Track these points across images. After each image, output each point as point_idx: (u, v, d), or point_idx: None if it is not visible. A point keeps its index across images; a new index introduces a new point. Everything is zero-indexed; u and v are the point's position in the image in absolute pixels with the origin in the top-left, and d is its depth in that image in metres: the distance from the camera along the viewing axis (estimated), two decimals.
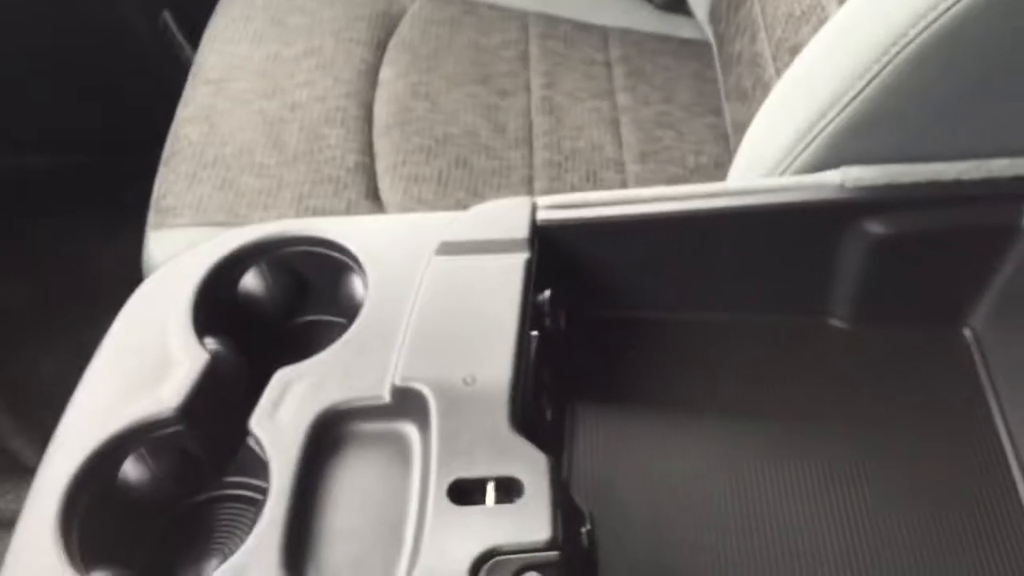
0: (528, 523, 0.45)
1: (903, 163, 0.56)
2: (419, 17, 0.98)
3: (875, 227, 0.57)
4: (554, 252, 0.59)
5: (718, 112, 0.95)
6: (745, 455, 0.57)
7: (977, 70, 0.53)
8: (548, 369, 0.56)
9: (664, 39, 1.03)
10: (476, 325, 0.53)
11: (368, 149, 0.85)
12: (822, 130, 0.57)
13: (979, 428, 0.57)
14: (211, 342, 0.57)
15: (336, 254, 0.60)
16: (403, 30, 0.96)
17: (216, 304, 0.58)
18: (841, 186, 0.57)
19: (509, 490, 0.48)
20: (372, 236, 0.60)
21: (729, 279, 0.61)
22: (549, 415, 0.55)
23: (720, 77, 0.98)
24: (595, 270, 0.61)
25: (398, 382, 0.51)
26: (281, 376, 0.53)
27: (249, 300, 0.62)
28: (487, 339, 0.52)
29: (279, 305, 0.63)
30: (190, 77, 0.90)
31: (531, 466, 0.48)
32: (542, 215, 0.59)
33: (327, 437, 0.51)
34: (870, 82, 0.54)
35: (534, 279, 0.56)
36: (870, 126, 0.56)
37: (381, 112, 0.88)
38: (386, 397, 0.51)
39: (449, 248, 0.57)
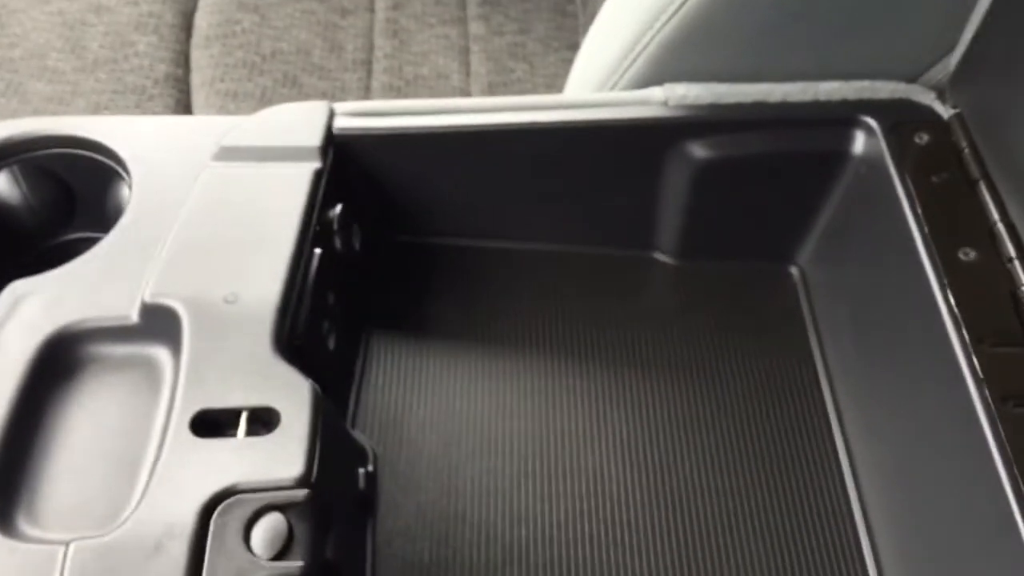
0: (279, 457, 0.40)
1: (729, 83, 0.52)
2: None
3: (698, 150, 0.53)
4: (352, 165, 0.53)
5: (575, 48, 0.90)
6: (552, 394, 0.52)
7: None
8: (334, 293, 0.50)
9: None
10: (248, 239, 0.47)
11: (183, 61, 0.77)
12: (647, 44, 0.52)
13: (799, 372, 0.54)
14: None
15: (102, 158, 0.53)
16: None
17: None
18: (664, 104, 0.52)
19: (267, 422, 0.42)
20: (142, 139, 0.52)
21: (545, 205, 0.56)
22: (332, 343, 0.49)
23: (579, 11, 0.93)
24: (399, 189, 0.55)
25: (148, 299, 0.45)
26: (13, 290, 0.46)
27: None
28: (258, 254, 0.46)
29: (37, 219, 0.55)
30: None
31: (291, 395, 0.42)
32: (340, 123, 0.52)
33: (61, 360, 0.44)
34: None
35: (324, 193, 0.50)
36: (695, 42, 0.51)
37: (202, 22, 0.80)
38: (134, 316, 0.45)
39: (229, 153, 0.51)
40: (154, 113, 0.71)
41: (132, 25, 0.76)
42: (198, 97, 0.74)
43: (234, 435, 0.41)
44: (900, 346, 0.49)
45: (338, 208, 0.50)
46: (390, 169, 0.54)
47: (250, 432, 0.41)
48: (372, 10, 0.87)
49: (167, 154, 0.51)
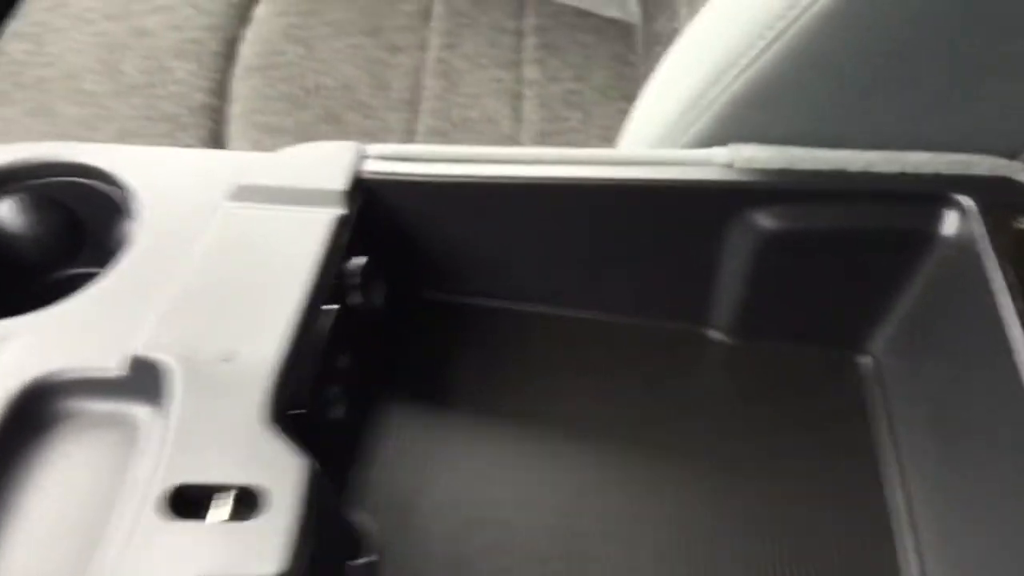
0: (257, 549, 0.34)
1: (804, 146, 0.47)
2: None
3: (765, 220, 0.47)
4: (381, 213, 0.48)
5: (634, 99, 0.85)
6: (583, 486, 0.46)
7: (891, 46, 0.43)
8: (348, 355, 0.45)
9: (586, 15, 0.93)
10: (256, 290, 0.42)
11: (221, 91, 0.73)
12: (713, 99, 0.47)
13: (867, 479, 0.47)
14: None
15: (110, 189, 0.49)
16: None
17: None
18: (730, 166, 0.47)
19: (253, 504, 0.37)
20: (156, 171, 0.48)
21: (589, 268, 0.51)
22: (341, 412, 0.44)
23: (640, 61, 0.89)
24: (430, 241, 0.50)
25: (139, 351, 0.40)
26: None
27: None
28: (265, 308, 0.41)
29: (41, 251, 0.52)
30: None
31: (283, 474, 0.37)
32: (370, 166, 0.48)
33: (35, 413, 0.40)
34: (768, 47, 0.44)
35: (347, 242, 0.45)
36: (767, 99, 0.46)
37: (246, 52, 0.77)
38: (121, 369, 0.40)
39: (246, 193, 0.46)
40: (186, 144, 0.68)
41: (172, 51, 0.74)
42: (234, 129, 0.71)
43: (215, 516, 0.36)
44: (989, 457, 0.42)
45: (362, 260, 0.46)
46: (422, 219, 0.49)
47: (235, 514, 0.36)
48: (424, 48, 0.83)
49: (180, 189, 0.47)
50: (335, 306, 0.43)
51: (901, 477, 0.47)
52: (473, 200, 0.48)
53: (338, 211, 0.45)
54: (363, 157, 0.48)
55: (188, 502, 0.36)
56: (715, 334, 0.52)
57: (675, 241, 0.49)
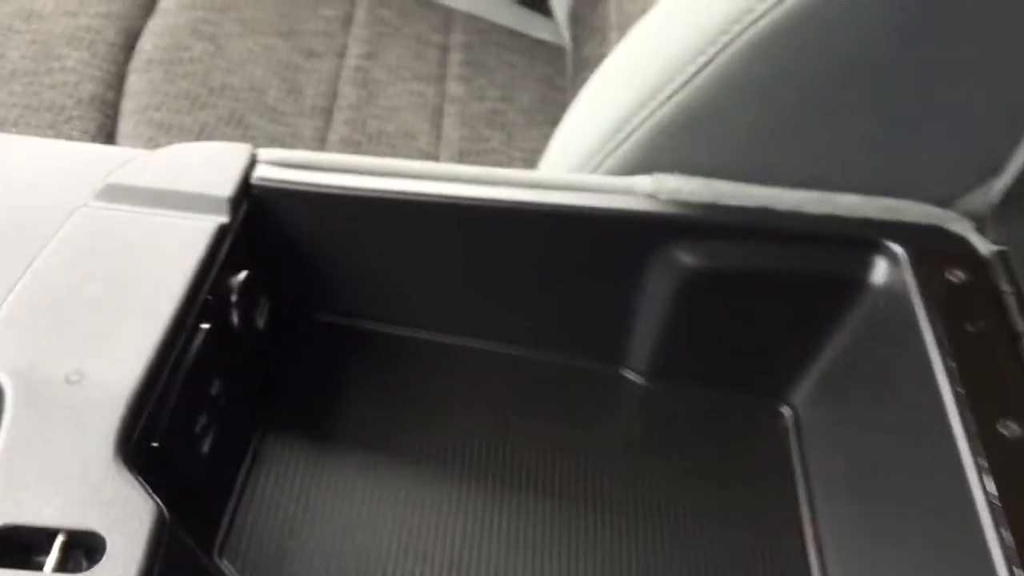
0: None
1: (731, 180, 0.44)
2: None
3: (688, 256, 0.44)
4: (269, 224, 0.44)
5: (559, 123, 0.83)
6: (480, 535, 0.42)
7: (824, 78, 0.41)
8: (221, 380, 0.40)
9: (515, 35, 0.90)
10: (115, 303, 0.37)
11: (116, 83, 0.68)
12: (638, 125, 0.44)
13: (782, 533, 0.44)
14: None
15: None
16: None
17: None
18: (653, 196, 0.44)
19: (89, 550, 0.32)
20: (16, 162, 0.43)
21: (498, 297, 0.47)
22: (206, 445, 0.39)
23: (569, 85, 0.86)
24: (324, 258, 0.45)
25: None
26: None
27: None
28: (124, 324, 0.36)
29: None
30: None
31: (126, 517, 0.32)
32: (262, 172, 0.43)
33: None
34: (698, 72, 0.41)
35: (227, 254, 0.41)
36: (694, 127, 0.43)
37: (147, 44, 0.71)
38: None
39: (116, 193, 0.41)
40: (70, 137, 0.62)
41: (65, 38, 0.68)
42: (125, 125, 0.65)
43: (41, 565, 0.31)
44: (914, 524, 0.40)
45: (242, 275, 0.41)
46: (315, 233, 0.45)
47: (64, 563, 0.31)
48: (342, 56, 0.79)
49: (40, 184, 0.42)
50: (206, 325, 0.38)
51: (815, 531, 0.45)
52: (374, 216, 0.44)
53: (220, 219, 0.41)
54: (255, 162, 0.43)
55: (12, 547, 0.31)
56: (629, 374, 0.49)
57: (591, 272, 0.46)
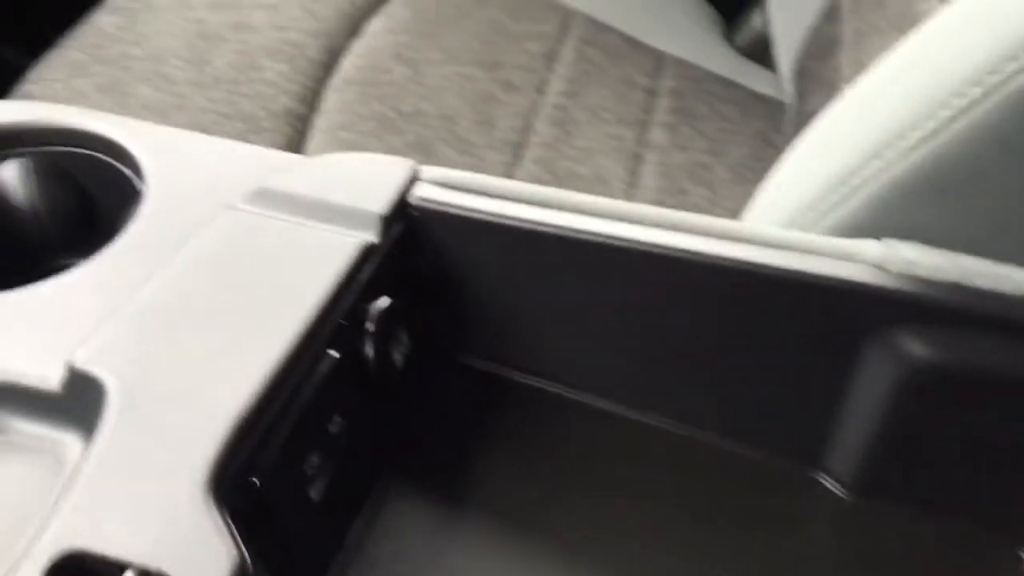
0: None
1: (982, 257, 0.35)
2: None
3: (917, 345, 0.35)
4: (424, 250, 0.39)
5: None
6: None
7: None
8: (344, 419, 0.35)
9: (732, 85, 0.84)
10: (241, 313, 0.33)
11: (311, 99, 0.67)
12: (867, 180, 0.36)
13: None
14: None
15: (122, 168, 0.41)
16: None
17: None
18: (880, 267, 0.35)
19: None
20: (174, 154, 0.41)
21: (674, 365, 0.40)
22: (317, 491, 0.34)
23: (785, 142, 0.78)
24: (479, 295, 0.40)
25: (78, 363, 0.32)
26: None
27: None
28: (245, 338, 0.32)
29: (42, 230, 0.44)
30: None
31: (203, 563, 0.27)
32: (422, 191, 0.39)
33: None
34: (951, 120, 0.33)
35: (371, 277, 0.36)
36: (941, 188, 0.35)
37: (347, 64, 0.70)
38: (55, 383, 0.32)
39: (266, 198, 0.38)
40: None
41: (268, 50, 0.67)
42: (314, 141, 0.64)
43: None
44: None
45: (383, 302, 0.36)
46: (474, 266, 0.40)
47: None
48: (542, 91, 0.75)
49: (194, 181, 0.39)
50: (335, 353, 0.34)
51: None
52: (544, 254, 0.38)
53: (368, 237, 0.36)
54: (415, 179, 0.39)
55: (80, 572, 0.28)
56: (825, 481, 0.40)
57: (793, 350, 0.38)
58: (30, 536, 0.28)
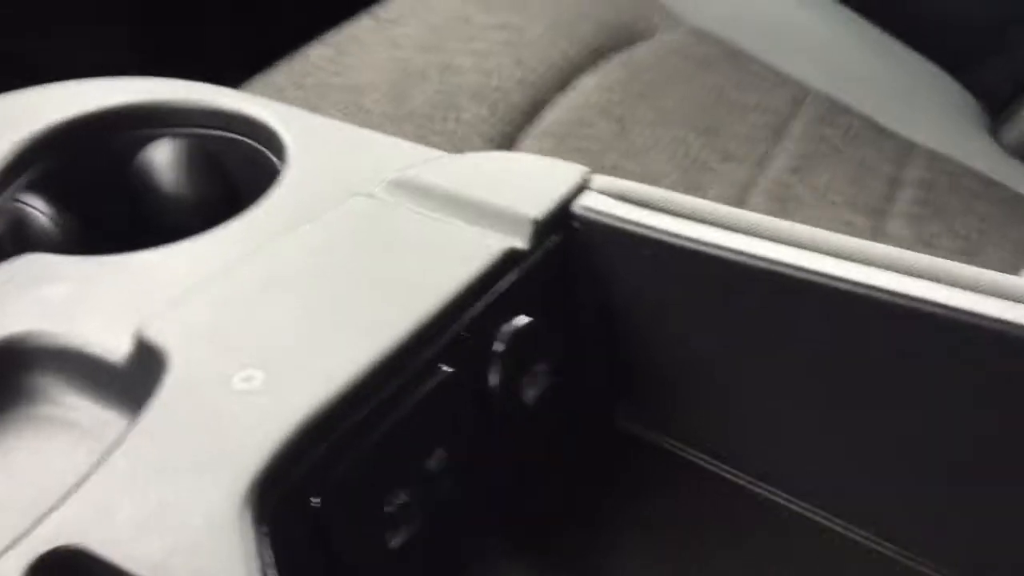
0: None
1: None
2: (667, 44, 0.74)
3: None
4: (588, 275, 0.32)
5: None
6: None
7: None
8: (448, 456, 0.28)
9: (994, 184, 0.71)
10: (346, 303, 0.27)
11: (505, 144, 0.62)
12: None
13: None
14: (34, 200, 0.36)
15: (270, 155, 0.37)
16: (639, 50, 0.73)
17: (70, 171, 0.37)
18: None
19: None
20: (322, 142, 0.36)
21: (920, 472, 0.29)
22: (397, 538, 0.26)
23: None
24: (655, 343, 0.32)
25: (146, 333, 0.27)
26: (29, 263, 0.31)
27: (140, 182, 0.40)
28: (343, 331, 0.26)
29: (182, 211, 0.41)
30: (368, 11, 0.73)
31: None
32: (589, 201, 0.31)
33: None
34: None
35: (509, 288, 0.29)
36: None
37: (551, 115, 0.65)
38: (118, 355, 0.27)
39: (404, 188, 0.32)
40: None
41: (471, 92, 0.64)
42: None
43: None
44: None
45: (519, 321, 0.29)
46: (647, 301, 0.31)
47: None
48: (763, 165, 0.67)
49: (332, 167, 0.34)
50: (449, 369, 0.27)
51: None
52: (750, 297, 0.30)
53: (514, 243, 0.30)
54: (584, 187, 0.32)
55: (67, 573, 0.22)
56: None
57: None
58: (26, 521, 0.22)
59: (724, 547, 0.31)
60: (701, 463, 0.32)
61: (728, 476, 0.32)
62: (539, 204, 0.31)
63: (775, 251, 0.29)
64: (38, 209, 0.36)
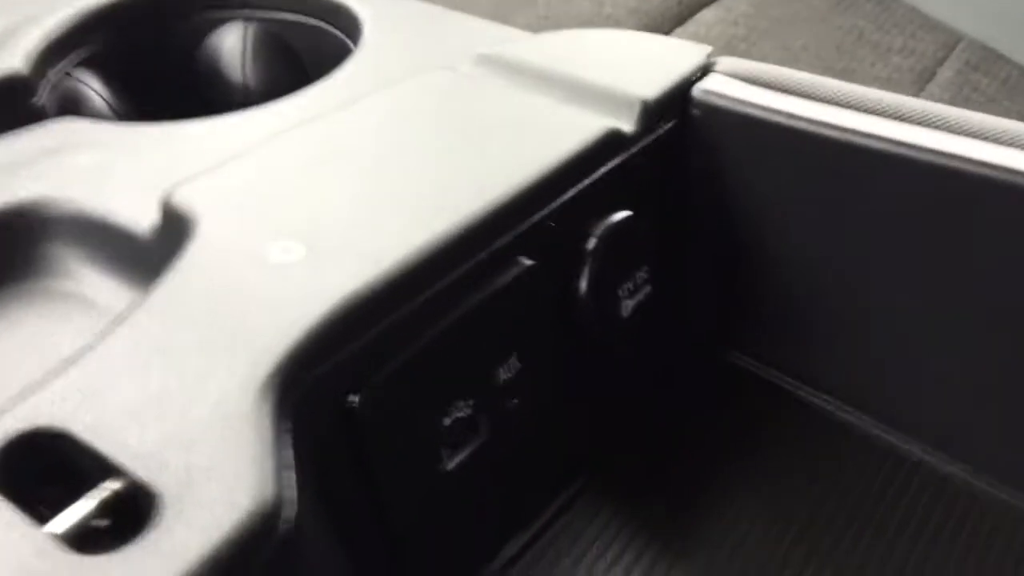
0: None
1: None
2: None
3: None
4: (708, 169, 0.26)
5: None
6: None
7: None
8: (524, 367, 0.23)
9: None
10: (413, 178, 0.23)
11: None
12: None
13: None
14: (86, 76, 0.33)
15: (346, 40, 0.33)
16: None
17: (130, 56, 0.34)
18: None
19: (141, 511, 0.17)
20: (401, 22, 0.32)
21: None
22: (455, 458, 0.22)
23: None
24: (779, 260, 0.26)
25: (174, 199, 0.23)
26: (69, 130, 0.28)
27: (206, 68, 0.37)
28: (406, 207, 0.22)
29: (245, 95, 0.37)
30: None
31: (216, 493, 0.16)
32: (713, 84, 0.26)
33: (21, 246, 0.24)
34: None
35: (610, 175, 0.24)
36: None
37: None
38: (145, 223, 0.23)
39: (494, 64, 0.27)
40: None
41: (579, 20, 0.59)
42: None
43: (62, 518, 0.17)
44: None
45: (619, 216, 0.24)
46: (778, 205, 0.26)
47: (103, 516, 0.17)
48: None
49: (420, 44, 0.30)
50: (529, 262, 0.22)
51: None
52: (891, 185, 0.24)
53: (621, 125, 0.24)
54: (709, 70, 0.27)
55: (53, 465, 0.18)
56: None
57: None
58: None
59: (825, 481, 0.25)
60: (822, 404, 0.27)
61: (831, 408, 0.27)
62: (652, 84, 0.25)
63: (927, 138, 0.24)
64: (92, 87, 0.32)
